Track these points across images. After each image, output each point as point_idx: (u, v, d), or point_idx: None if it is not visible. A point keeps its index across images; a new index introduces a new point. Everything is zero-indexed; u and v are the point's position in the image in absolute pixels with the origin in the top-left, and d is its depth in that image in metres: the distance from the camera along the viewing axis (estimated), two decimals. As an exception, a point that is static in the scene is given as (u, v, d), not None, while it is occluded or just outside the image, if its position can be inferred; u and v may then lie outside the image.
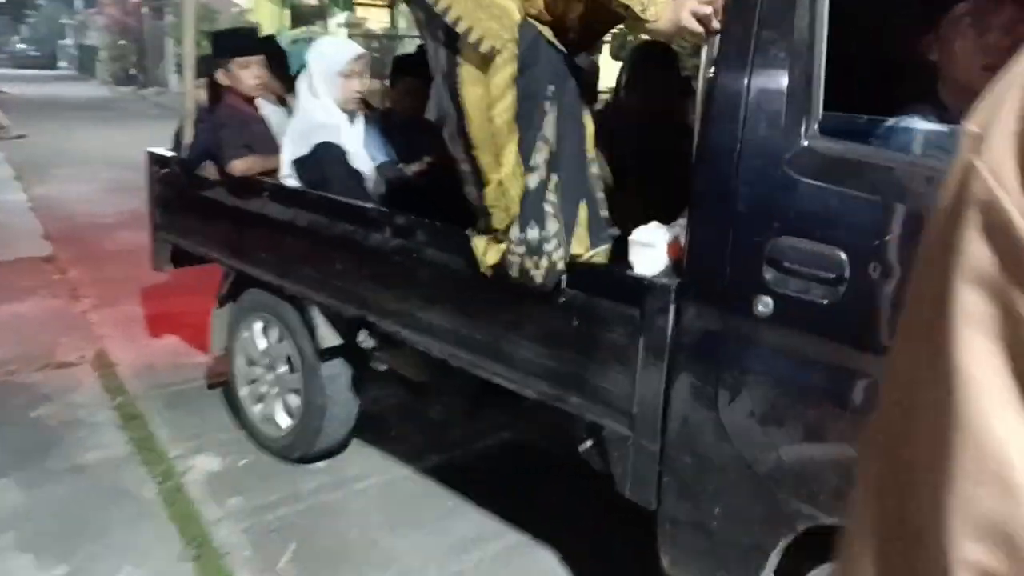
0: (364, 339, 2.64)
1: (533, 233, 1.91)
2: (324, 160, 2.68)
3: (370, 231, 2.52)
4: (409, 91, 3.30)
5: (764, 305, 1.62)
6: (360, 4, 17.88)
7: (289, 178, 2.78)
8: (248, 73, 3.11)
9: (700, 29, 1.65)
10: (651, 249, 1.94)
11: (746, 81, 1.62)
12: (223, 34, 3.57)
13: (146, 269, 3.83)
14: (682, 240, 1.95)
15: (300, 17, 19.24)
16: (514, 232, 1.93)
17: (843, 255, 1.51)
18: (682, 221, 2.09)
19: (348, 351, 2.82)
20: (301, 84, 2.78)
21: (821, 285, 1.55)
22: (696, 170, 1.73)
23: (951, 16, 1.60)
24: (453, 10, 1.79)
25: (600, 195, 2.12)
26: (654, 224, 2.03)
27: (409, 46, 15.14)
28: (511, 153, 1.87)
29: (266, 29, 16.57)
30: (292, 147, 2.74)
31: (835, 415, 1.56)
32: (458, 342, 2.28)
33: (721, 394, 1.72)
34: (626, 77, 2.58)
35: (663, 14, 1.69)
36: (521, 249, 1.92)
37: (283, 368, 3.01)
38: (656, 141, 2.61)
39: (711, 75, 1.69)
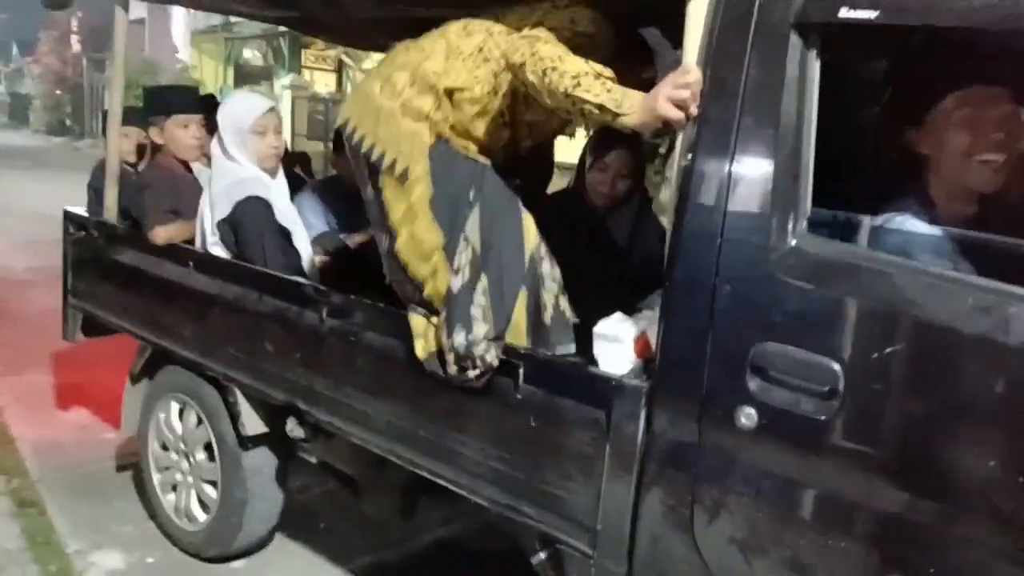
0: (293, 428, 2.39)
1: (459, 338, 1.82)
2: (249, 215, 2.45)
3: (304, 309, 2.29)
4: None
5: (747, 417, 1.45)
6: (307, 67, 17.86)
7: (214, 246, 2.54)
8: (186, 133, 2.90)
9: (680, 115, 1.52)
10: (617, 344, 1.77)
11: (727, 170, 1.49)
12: (159, 90, 3.36)
13: (57, 334, 3.50)
14: (650, 336, 1.79)
15: (244, 76, 19.12)
16: (442, 336, 1.85)
17: (836, 367, 1.36)
18: (649, 313, 1.95)
19: (274, 440, 2.55)
20: (214, 147, 2.56)
21: (812, 398, 1.39)
22: (671, 263, 1.57)
23: (941, 108, 1.51)
24: (367, 138, 1.90)
25: (551, 292, 1.96)
26: (618, 316, 1.87)
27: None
28: (440, 259, 1.87)
29: (208, 87, 16.37)
30: (213, 210, 2.51)
31: (824, 544, 1.39)
32: (400, 438, 2.06)
33: (697, 514, 1.53)
34: (591, 158, 2.44)
35: (637, 104, 1.56)
36: (451, 356, 1.84)
37: (201, 456, 2.72)
38: (620, 224, 2.47)
39: (687, 161, 1.55)
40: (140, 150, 3.34)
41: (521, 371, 1.80)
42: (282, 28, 15.27)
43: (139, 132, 3.33)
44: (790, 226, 1.44)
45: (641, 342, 1.80)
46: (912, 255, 1.38)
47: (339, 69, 18.26)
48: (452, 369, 1.85)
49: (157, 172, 2.87)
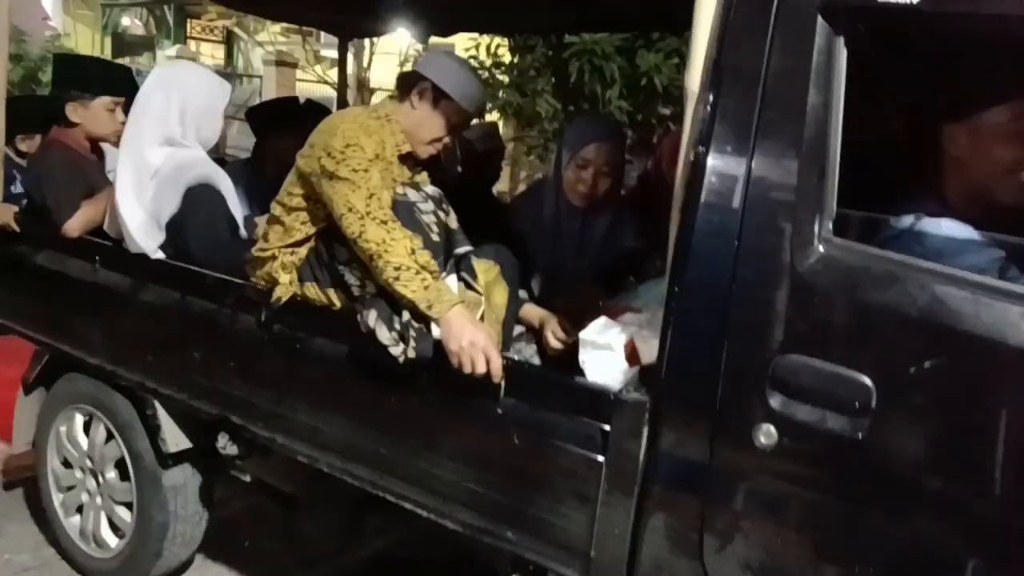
0: (225, 445, 2.13)
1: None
2: (203, 204, 2.17)
3: (239, 311, 2.04)
4: (276, 153, 2.85)
5: (767, 435, 1.34)
6: (192, 38, 16.88)
7: (155, 252, 2.23)
8: (113, 116, 2.58)
9: (463, 360, 1.60)
10: (607, 352, 1.63)
11: (746, 167, 1.36)
12: (77, 62, 3.01)
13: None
14: (637, 342, 1.66)
15: (123, 46, 17.86)
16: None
17: (868, 381, 1.26)
18: (635, 317, 1.82)
19: (199, 456, 2.29)
20: (143, 126, 2.24)
21: (840, 415, 1.29)
22: (677, 266, 1.43)
23: (990, 115, 1.40)
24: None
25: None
26: (603, 321, 1.74)
27: (246, 85, 14.38)
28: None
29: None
30: (155, 201, 2.19)
31: (850, 574, 1.29)
32: (355, 456, 1.85)
33: (707, 539, 1.41)
34: (567, 154, 2.25)
35: (446, 312, 1.64)
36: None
37: (111, 474, 2.42)
38: (597, 223, 2.29)
39: (696, 155, 1.41)
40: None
41: (503, 383, 1.63)
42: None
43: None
44: (816, 228, 1.32)
45: (629, 349, 1.67)
46: (948, 260, 1.29)
47: (228, 40, 17.37)
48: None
49: (62, 156, 2.52)
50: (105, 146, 2.72)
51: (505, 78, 7.96)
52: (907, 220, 1.40)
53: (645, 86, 6.71)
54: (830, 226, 1.33)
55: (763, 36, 1.34)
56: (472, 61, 8.07)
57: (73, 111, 2.55)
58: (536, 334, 2.12)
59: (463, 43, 8.26)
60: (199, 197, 2.17)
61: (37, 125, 2.85)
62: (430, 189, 1.89)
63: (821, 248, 1.31)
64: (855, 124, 1.35)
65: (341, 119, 1.88)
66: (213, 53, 17.07)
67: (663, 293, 2.05)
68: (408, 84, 1.96)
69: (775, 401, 1.33)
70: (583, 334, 1.67)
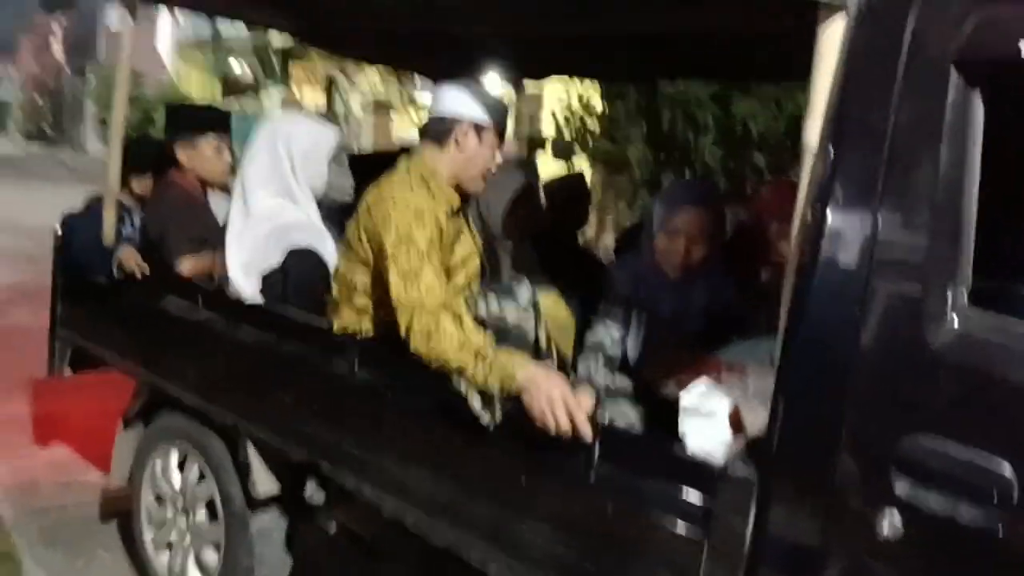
0: (312, 493, 2.12)
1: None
2: (305, 270, 2.20)
3: (333, 356, 2.04)
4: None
5: (890, 523, 1.22)
6: (296, 82, 17.61)
7: (249, 292, 2.28)
8: (219, 156, 2.70)
9: (547, 421, 1.55)
10: (711, 420, 1.54)
11: (871, 228, 1.26)
12: (185, 108, 3.15)
13: (33, 357, 3.20)
14: (744, 411, 1.56)
15: (232, 89, 18.81)
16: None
17: (1009, 469, 1.13)
18: (739, 381, 1.72)
19: (287, 502, 2.28)
20: (258, 171, 2.31)
21: (976, 507, 1.16)
22: (791, 333, 1.34)
23: None
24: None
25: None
26: (704, 385, 1.64)
27: (345, 129, 14.88)
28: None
29: (194, 100, 16.05)
30: (257, 251, 2.25)
31: None
32: (441, 514, 1.80)
33: (820, 633, 1.29)
34: (658, 220, 2.16)
35: (520, 377, 1.60)
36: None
37: (201, 514, 2.44)
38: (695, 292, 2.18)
39: (813, 214, 1.33)
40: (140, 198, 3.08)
41: (596, 447, 1.56)
42: (274, 42, 15.06)
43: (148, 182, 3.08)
44: (950, 296, 1.21)
45: (733, 416, 1.57)
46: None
47: (329, 85, 18.06)
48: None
49: (179, 197, 2.64)
50: (210, 192, 2.81)
51: (597, 126, 7.96)
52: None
53: (740, 134, 6.60)
54: (965, 295, 1.22)
55: (888, 88, 1.26)
56: (564, 109, 8.11)
57: (182, 151, 2.66)
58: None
59: (554, 90, 8.32)
60: (301, 258, 2.21)
61: (149, 166, 2.97)
62: (521, 292, 1.87)
63: (956, 319, 1.20)
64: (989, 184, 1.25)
65: (392, 204, 1.85)
66: (315, 97, 17.76)
67: (767, 351, 1.96)
68: (443, 131, 1.95)
69: (901, 486, 1.22)
70: (685, 401, 1.58)
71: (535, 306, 1.87)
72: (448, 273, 1.92)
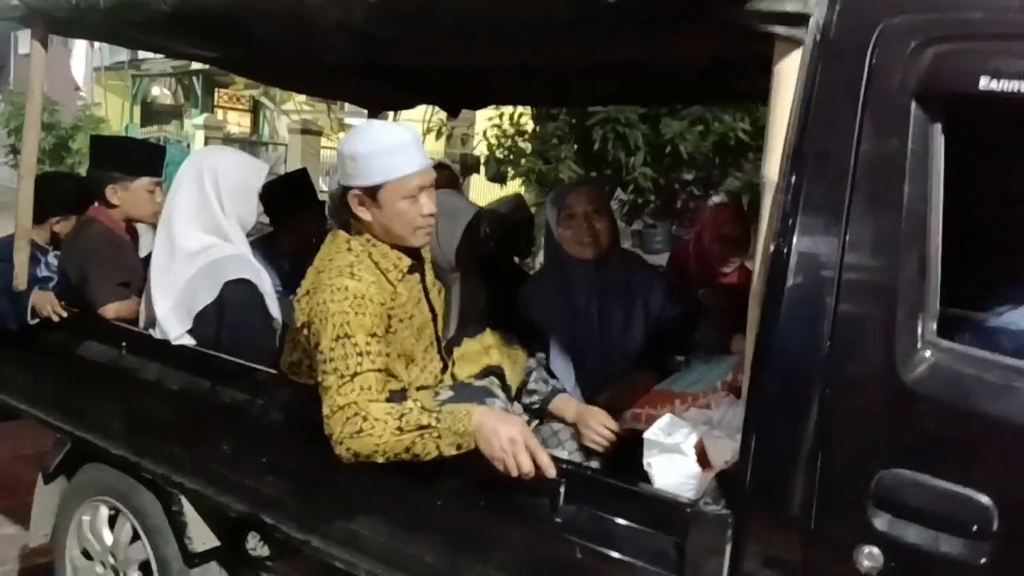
0: (255, 546, 2.00)
1: None
2: (237, 300, 2.09)
3: (271, 401, 1.93)
4: (296, 231, 2.80)
5: (870, 558, 1.20)
6: (220, 107, 17.21)
7: (179, 339, 2.14)
8: (153, 198, 2.54)
9: (501, 458, 1.50)
10: (678, 456, 1.50)
11: (837, 260, 1.25)
12: (116, 143, 3.01)
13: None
14: (709, 446, 1.53)
15: (152, 115, 18.24)
16: None
17: (988, 501, 1.12)
18: (702, 413, 1.69)
19: (228, 555, 2.14)
20: (185, 208, 2.18)
21: (956, 539, 1.15)
22: (759, 365, 1.31)
23: None
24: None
25: None
26: (669, 418, 1.61)
27: (271, 153, 14.57)
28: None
29: (113, 126, 15.50)
30: (186, 295, 2.11)
31: None
32: (398, 565, 1.70)
33: (802, 677, 1.25)
34: (554, 214, 2.18)
35: (462, 430, 1.54)
36: None
37: (135, 575, 2.27)
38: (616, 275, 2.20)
39: (777, 247, 1.31)
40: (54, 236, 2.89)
41: (562, 488, 1.50)
42: (195, 65, 14.67)
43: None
44: (919, 329, 1.20)
45: (699, 450, 1.54)
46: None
47: (254, 109, 17.69)
48: None
49: (100, 235, 2.48)
50: (140, 227, 2.66)
51: (528, 146, 7.97)
52: (1005, 317, 1.28)
53: (669, 153, 6.70)
54: (934, 327, 1.21)
55: (852, 123, 1.24)
56: (495, 130, 8.11)
57: (113, 193, 2.51)
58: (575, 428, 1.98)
59: (486, 112, 8.31)
60: (237, 289, 2.09)
61: (72, 207, 2.78)
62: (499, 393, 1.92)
63: (927, 352, 1.19)
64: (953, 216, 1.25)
65: (330, 293, 1.66)
66: (239, 122, 17.37)
67: (720, 374, 1.94)
68: (345, 206, 1.76)
69: (879, 520, 1.20)
70: (648, 434, 1.54)
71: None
72: (410, 355, 1.85)
